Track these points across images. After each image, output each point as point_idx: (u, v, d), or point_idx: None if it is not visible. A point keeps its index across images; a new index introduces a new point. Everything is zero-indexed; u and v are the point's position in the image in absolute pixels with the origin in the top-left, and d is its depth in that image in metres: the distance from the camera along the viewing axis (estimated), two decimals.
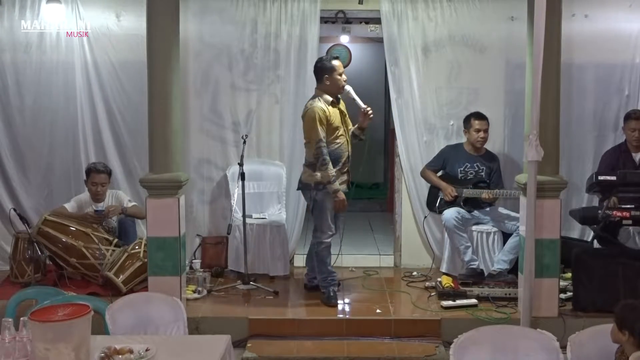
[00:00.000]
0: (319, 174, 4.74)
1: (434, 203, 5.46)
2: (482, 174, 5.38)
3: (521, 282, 4.51)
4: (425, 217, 5.67)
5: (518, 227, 4.97)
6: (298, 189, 5.04)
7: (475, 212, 5.36)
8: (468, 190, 5.32)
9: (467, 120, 5.39)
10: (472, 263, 5.15)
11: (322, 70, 4.82)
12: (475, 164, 5.39)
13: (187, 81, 5.56)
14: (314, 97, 4.84)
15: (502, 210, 5.37)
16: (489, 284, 4.97)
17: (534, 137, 4.04)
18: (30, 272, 5.00)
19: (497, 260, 5.19)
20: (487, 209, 5.38)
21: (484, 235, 5.31)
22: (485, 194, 5.22)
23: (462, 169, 5.39)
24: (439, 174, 5.50)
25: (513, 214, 5.22)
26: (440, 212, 5.40)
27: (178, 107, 4.60)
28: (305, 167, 4.88)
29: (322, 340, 4.49)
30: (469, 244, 5.19)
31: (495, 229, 5.31)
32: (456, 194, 5.30)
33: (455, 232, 5.17)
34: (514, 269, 4.99)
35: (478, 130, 5.32)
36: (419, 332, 4.53)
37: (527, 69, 4.60)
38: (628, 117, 5.20)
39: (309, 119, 4.74)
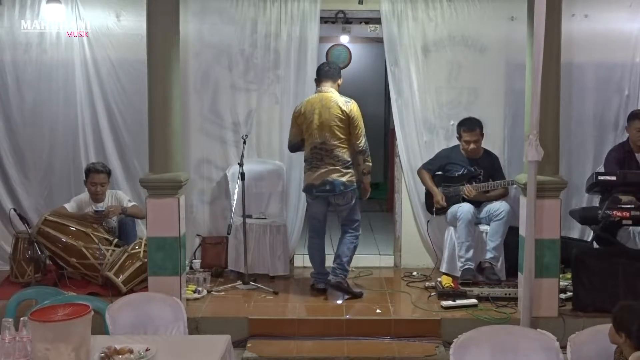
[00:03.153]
0: (352, 170, 4.91)
1: (431, 206, 5.45)
2: (481, 177, 5.35)
3: (521, 282, 4.51)
4: (429, 221, 5.64)
5: (498, 212, 5.06)
6: (337, 192, 4.87)
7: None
8: (477, 185, 5.30)
9: (458, 129, 5.37)
10: (469, 263, 5.13)
11: (339, 71, 5.05)
12: (472, 167, 5.37)
13: (187, 81, 5.56)
14: (335, 93, 4.92)
15: (488, 203, 5.33)
16: (489, 284, 4.98)
17: (534, 137, 4.04)
18: (30, 272, 5.00)
19: (487, 250, 5.20)
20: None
21: (484, 235, 5.29)
22: (466, 189, 5.24)
23: (459, 173, 5.38)
24: (437, 172, 5.49)
25: (495, 202, 5.24)
26: (438, 214, 5.42)
27: (178, 107, 4.60)
28: (345, 168, 4.88)
29: (322, 340, 4.49)
30: (473, 243, 5.18)
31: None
32: (445, 204, 5.30)
33: (469, 226, 5.14)
34: (514, 269, 4.97)
35: (468, 142, 5.30)
36: (419, 332, 4.53)
37: (527, 69, 4.60)
38: (634, 116, 5.14)
39: (359, 115, 4.90)
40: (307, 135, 4.97)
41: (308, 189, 5.03)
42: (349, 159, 4.90)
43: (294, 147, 5.10)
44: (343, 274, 4.99)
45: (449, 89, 5.69)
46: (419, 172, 5.54)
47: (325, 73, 4.99)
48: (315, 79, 5.09)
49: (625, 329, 2.64)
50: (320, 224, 5.13)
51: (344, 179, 4.87)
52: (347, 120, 4.83)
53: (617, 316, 2.70)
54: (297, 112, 5.01)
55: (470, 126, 5.30)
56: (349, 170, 4.89)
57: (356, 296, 5.01)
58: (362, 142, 4.87)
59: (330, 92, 4.93)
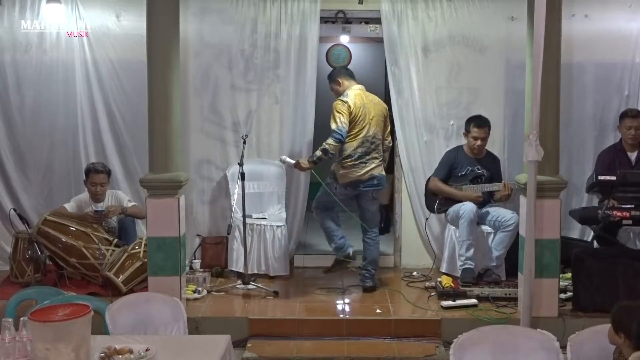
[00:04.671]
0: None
1: (433, 204, 5.44)
2: (484, 177, 5.33)
3: (521, 282, 4.51)
4: (427, 219, 5.64)
5: (508, 223, 5.02)
6: (384, 185, 5.18)
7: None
8: (476, 186, 5.29)
9: (468, 124, 5.33)
10: (469, 262, 5.12)
11: None
12: (475, 167, 5.36)
13: (187, 81, 5.56)
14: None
15: (498, 209, 5.33)
16: (489, 284, 4.98)
17: (534, 137, 4.04)
18: (30, 272, 5.00)
19: (489, 258, 5.19)
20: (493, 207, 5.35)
21: (485, 235, 5.30)
22: (503, 184, 5.16)
23: (463, 173, 5.36)
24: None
25: (505, 210, 5.21)
26: (440, 213, 5.41)
27: (178, 107, 4.60)
28: (382, 162, 5.16)
29: (322, 340, 4.49)
30: (474, 242, 5.16)
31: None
32: (480, 193, 5.25)
33: (472, 225, 5.10)
34: (514, 269, 4.97)
35: (476, 138, 5.26)
36: (419, 332, 4.54)
37: (527, 69, 4.60)
38: (624, 115, 5.17)
39: None
40: (357, 129, 4.94)
41: (354, 184, 4.98)
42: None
43: (345, 137, 4.89)
44: (376, 275, 5.26)
45: (449, 89, 5.69)
46: (432, 184, 5.40)
47: (352, 74, 5.22)
48: (343, 77, 5.14)
49: (625, 329, 2.64)
50: (335, 214, 5.24)
51: (384, 173, 5.13)
52: (386, 118, 5.14)
53: (616, 316, 2.70)
54: (350, 105, 4.90)
55: (480, 123, 5.28)
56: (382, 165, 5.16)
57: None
58: (390, 140, 5.28)
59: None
